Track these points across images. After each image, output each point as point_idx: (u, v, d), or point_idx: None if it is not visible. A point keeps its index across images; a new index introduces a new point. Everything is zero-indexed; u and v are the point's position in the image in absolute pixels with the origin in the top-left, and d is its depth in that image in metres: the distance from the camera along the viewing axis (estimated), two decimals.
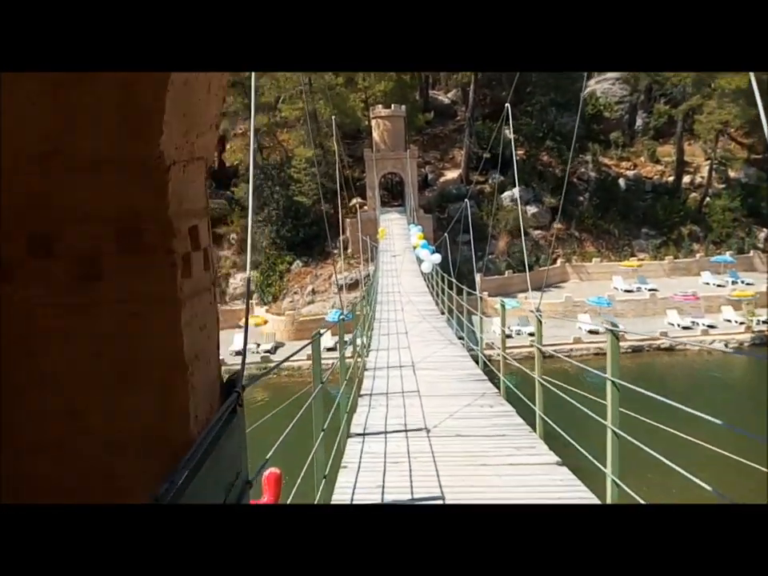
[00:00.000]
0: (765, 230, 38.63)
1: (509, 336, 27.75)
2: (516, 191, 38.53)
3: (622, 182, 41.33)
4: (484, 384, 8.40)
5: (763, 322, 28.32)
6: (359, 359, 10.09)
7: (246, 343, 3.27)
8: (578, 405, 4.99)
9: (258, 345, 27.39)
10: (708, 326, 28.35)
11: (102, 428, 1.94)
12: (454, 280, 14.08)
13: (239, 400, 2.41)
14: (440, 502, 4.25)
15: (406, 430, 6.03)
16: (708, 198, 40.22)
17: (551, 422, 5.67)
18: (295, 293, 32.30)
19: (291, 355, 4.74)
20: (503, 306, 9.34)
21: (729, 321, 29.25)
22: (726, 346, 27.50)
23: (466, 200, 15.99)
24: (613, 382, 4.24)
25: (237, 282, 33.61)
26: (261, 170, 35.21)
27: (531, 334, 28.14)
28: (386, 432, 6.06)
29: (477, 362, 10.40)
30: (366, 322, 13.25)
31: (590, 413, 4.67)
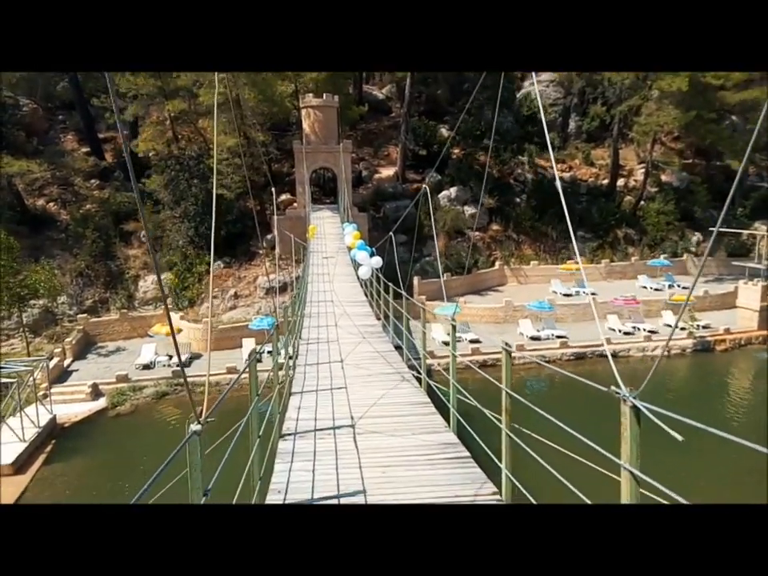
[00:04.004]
0: (697, 233, 38.81)
1: (447, 343, 26.23)
2: (452, 191, 37.10)
3: (558, 184, 40.54)
4: (467, 468, 5.51)
5: (703, 327, 27.85)
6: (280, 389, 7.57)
7: None
8: (483, 410, 5.75)
9: (170, 357, 24.16)
10: (650, 332, 27.57)
11: None
12: (403, 292, 11.40)
13: None
14: None
15: None
16: (642, 202, 40.08)
17: (465, 424, 6.25)
18: (215, 297, 29.13)
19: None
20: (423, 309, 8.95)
21: (669, 326, 28.59)
22: (668, 352, 26.79)
23: (424, 190, 13.70)
24: (507, 392, 4.86)
25: (147, 284, 30.03)
26: (176, 160, 31.76)
27: (473, 341, 26.54)
28: None
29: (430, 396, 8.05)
30: (291, 337, 10.71)
31: (490, 415, 5.51)
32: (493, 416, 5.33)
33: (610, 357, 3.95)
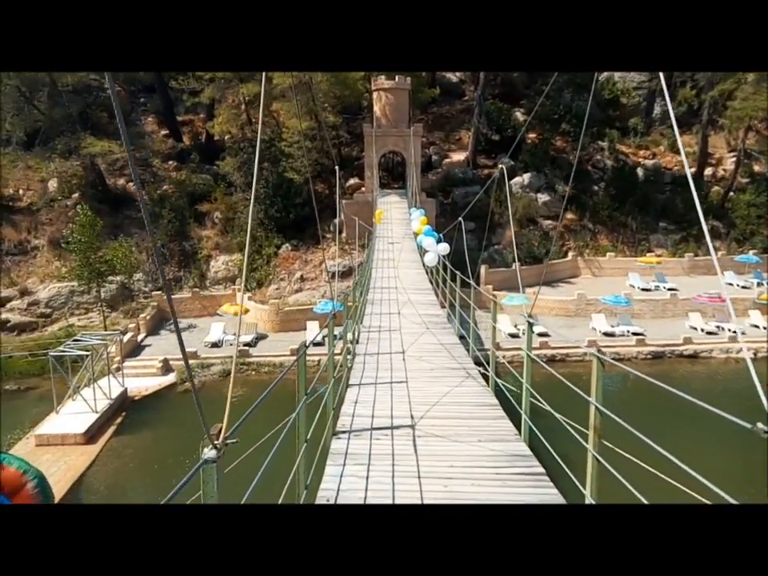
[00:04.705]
0: None
1: (515, 336, 25.37)
2: (526, 177, 35.81)
3: (640, 171, 38.44)
4: (542, 488, 4.82)
5: None
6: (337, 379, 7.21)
7: None
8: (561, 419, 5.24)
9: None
10: (735, 332, 25.67)
11: None
12: (471, 281, 10.75)
13: None
14: None
15: None
16: (732, 193, 37.38)
17: (538, 433, 5.54)
18: (282, 279, 29.42)
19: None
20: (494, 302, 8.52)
21: (757, 327, 26.56)
22: (755, 355, 24.87)
23: (499, 173, 13.14)
24: (597, 407, 4.23)
25: (219, 264, 30.69)
26: (249, 143, 32.18)
27: (541, 335, 25.53)
28: None
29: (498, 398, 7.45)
30: (352, 324, 10.37)
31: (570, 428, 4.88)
32: (568, 424, 4.71)
33: (750, 362, 2.96)
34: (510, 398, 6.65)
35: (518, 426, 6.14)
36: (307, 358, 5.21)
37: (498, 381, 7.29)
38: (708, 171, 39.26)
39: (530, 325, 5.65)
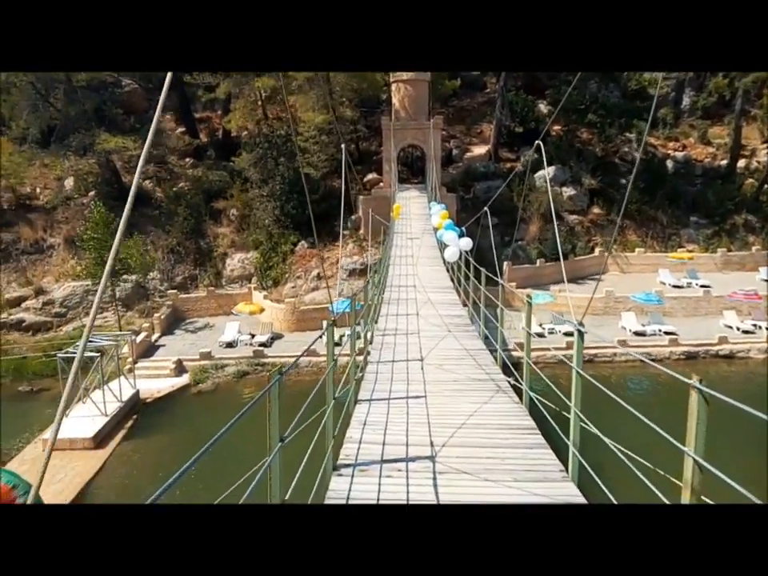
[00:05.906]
0: None
1: (540, 335, 24.26)
2: (550, 170, 34.59)
3: (669, 164, 36.97)
4: None
5: None
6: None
7: None
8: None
9: (253, 336, 23.94)
10: None
11: None
12: (500, 280, 9.79)
13: None
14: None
15: None
16: (766, 185, 35.73)
17: (592, 472, 4.48)
18: (298, 277, 28.68)
19: None
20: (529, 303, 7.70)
21: None
22: None
23: (525, 165, 12.20)
24: (696, 461, 3.20)
25: (234, 262, 30.07)
26: (265, 138, 31.50)
27: (568, 334, 24.42)
28: None
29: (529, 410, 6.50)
30: (364, 328, 9.50)
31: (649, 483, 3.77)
32: (639, 466, 3.67)
33: None
34: (549, 417, 5.54)
35: (558, 453, 5.12)
36: (322, 358, 4.25)
37: (533, 395, 6.24)
38: (741, 163, 37.64)
39: (581, 334, 4.65)
